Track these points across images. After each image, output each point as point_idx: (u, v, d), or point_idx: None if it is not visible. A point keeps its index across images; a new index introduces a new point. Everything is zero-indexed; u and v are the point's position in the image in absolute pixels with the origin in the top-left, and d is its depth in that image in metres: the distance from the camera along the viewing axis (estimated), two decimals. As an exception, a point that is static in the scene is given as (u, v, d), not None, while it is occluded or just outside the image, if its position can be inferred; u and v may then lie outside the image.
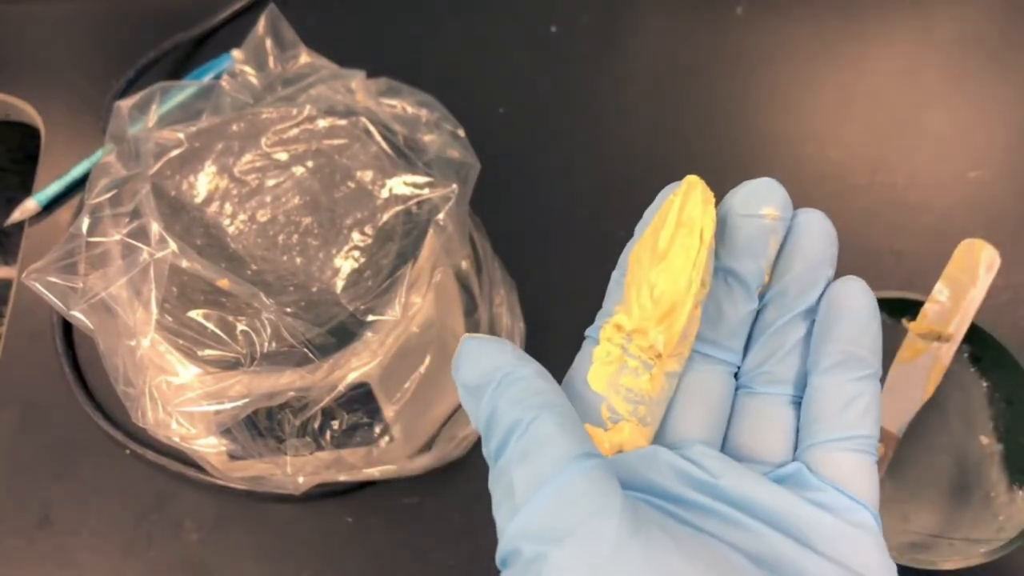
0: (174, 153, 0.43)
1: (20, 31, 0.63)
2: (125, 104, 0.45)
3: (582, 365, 0.26)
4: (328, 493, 0.45)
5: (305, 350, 0.37)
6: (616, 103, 0.59)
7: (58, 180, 0.55)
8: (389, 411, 0.42)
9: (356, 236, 0.40)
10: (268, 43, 0.48)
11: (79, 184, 0.55)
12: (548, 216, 0.54)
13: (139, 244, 0.39)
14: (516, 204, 0.54)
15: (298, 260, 0.40)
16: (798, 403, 0.26)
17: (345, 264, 0.39)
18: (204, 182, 0.42)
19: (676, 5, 0.63)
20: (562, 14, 0.63)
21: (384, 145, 0.43)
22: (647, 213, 0.27)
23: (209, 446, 0.40)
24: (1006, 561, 0.38)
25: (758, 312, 0.27)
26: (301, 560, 0.45)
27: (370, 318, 0.38)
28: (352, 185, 0.42)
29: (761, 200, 0.27)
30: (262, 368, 0.37)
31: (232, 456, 0.42)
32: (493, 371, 0.24)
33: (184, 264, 0.38)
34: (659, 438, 0.26)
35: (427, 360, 0.42)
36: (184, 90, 0.49)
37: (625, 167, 0.56)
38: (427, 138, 0.45)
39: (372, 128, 0.44)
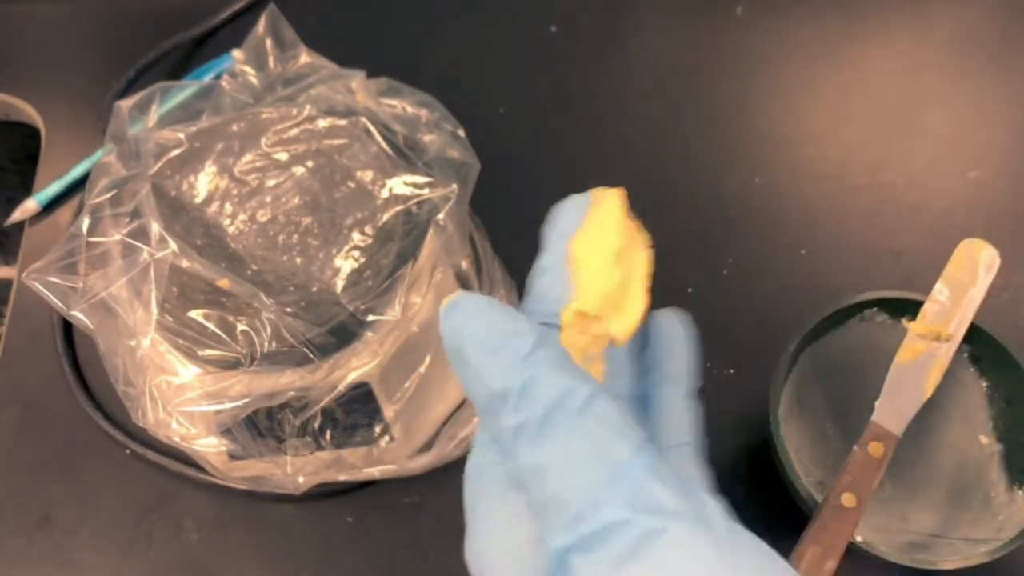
0: (174, 153, 0.43)
1: (20, 31, 0.63)
2: (125, 104, 0.45)
3: None
4: (328, 493, 0.46)
5: (305, 350, 0.37)
6: (616, 103, 0.59)
7: (58, 180, 0.55)
8: (389, 411, 0.42)
9: (356, 236, 0.40)
10: (268, 43, 0.48)
11: (79, 184, 0.55)
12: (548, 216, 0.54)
13: (139, 244, 0.39)
14: (516, 204, 0.54)
15: (298, 260, 0.40)
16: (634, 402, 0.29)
17: (345, 264, 0.39)
18: (204, 182, 0.42)
19: (676, 5, 0.63)
20: (562, 14, 0.63)
21: (384, 145, 0.43)
22: (568, 211, 0.29)
23: (209, 446, 0.40)
24: (1006, 561, 0.38)
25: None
26: (301, 560, 0.45)
27: (370, 318, 0.38)
28: (352, 185, 0.42)
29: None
30: (262, 368, 0.37)
31: (232, 456, 0.42)
32: (520, 335, 0.22)
33: (184, 264, 0.38)
34: None
35: (427, 360, 0.42)
36: (184, 90, 0.49)
37: (625, 167, 0.56)
38: (427, 138, 0.45)
39: (372, 128, 0.44)
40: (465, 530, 0.23)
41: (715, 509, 0.20)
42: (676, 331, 0.29)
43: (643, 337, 0.29)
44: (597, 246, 0.27)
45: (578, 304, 0.26)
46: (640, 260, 0.27)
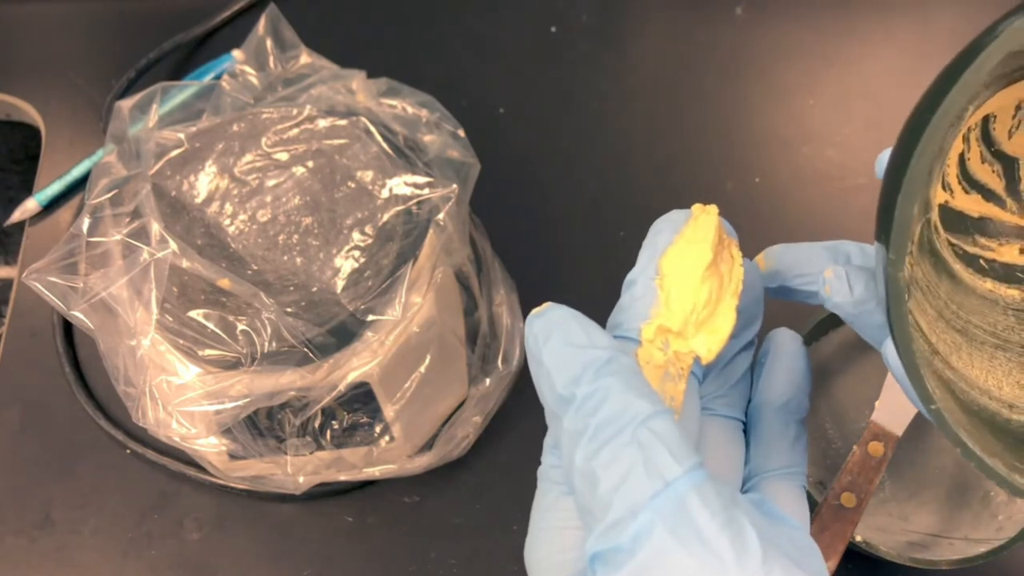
0: (174, 153, 0.43)
1: (20, 31, 0.63)
2: (126, 104, 0.45)
3: None
4: (328, 493, 0.46)
5: (305, 350, 0.37)
6: (616, 103, 0.59)
7: (59, 180, 0.55)
8: (389, 411, 0.42)
9: (356, 236, 0.40)
10: (268, 43, 0.48)
11: (80, 184, 0.55)
12: (548, 216, 0.54)
13: (139, 244, 0.39)
14: (516, 204, 0.54)
15: (298, 260, 0.40)
16: (744, 428, 0.29)
17: (345, 264, 0.39)
18: (204, 182, 0.42)
19: (676, 5, 0.63)
20: (562, 14, 0.63)
21: (384, 145, 0.43)
22: (663, 228, 0.28)
23: (209, 446, 0.40)
24: (1006, 561, 0.38)
25: None
26: (301, 559, 0.45)
27: (370, 318, 0.38)
28: (352, 185, 0.42)
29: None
30: (262, 368, 0.37)
31: (232, 456, 0.42)
32: (598, 348, 0.23)
33: (184, 264, 0.38)
34: None
35: (427, 360, 0.42)
36: (185, 90, 0.49)
37: (625, 167, 0.56)
38: (427, 138, 0.45)
39: (372, 128, 0.44)
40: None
41: (753, 540, 0.20)
42: (788, 352, 0.29)
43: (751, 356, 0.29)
44: (687, 262, 0.26)
45: (661, 320, 0.26)
46: (733, 279, 0.27)
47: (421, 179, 0.42)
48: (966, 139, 0.30)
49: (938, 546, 0.41)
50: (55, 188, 0.55)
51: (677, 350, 0.25)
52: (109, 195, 0.41)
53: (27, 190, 0.57)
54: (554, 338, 0.24)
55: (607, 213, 0.55)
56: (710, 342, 0.26)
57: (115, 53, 0.61)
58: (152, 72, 0.59)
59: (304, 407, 0.39)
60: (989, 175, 0.31)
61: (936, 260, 0.29)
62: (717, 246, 0.27)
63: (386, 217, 0.41)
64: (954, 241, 0.30)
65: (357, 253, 0.40)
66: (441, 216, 0.41)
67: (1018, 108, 0.29)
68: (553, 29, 0.62)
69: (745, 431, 0.29)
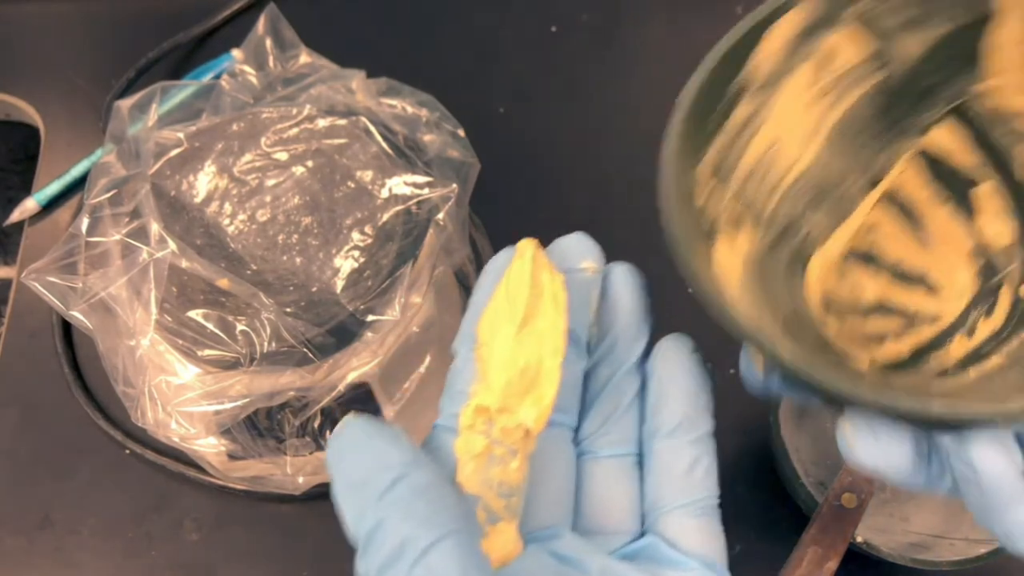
0: (174, 153, 0.43)
1: (20, 31, 0.63)
2: (125, 104, 0.45)
3: (443, 463, 0.23)
4: (328, 493, 0.45)
5: (305, 350, 0.37)
6: (616, 103, 0.59)
7: (58, 180, 0.55)
8: (389, 411, 0.42)
9: (356, 236, 0.40)
10: (268, 43, 0.48)
11: (79, 184, 0.55)
12: (548, 216, 0.54)
13: (139, 244, 0.39)
14: (516, 204, 0.54)
15: (298, 260, 0.40)
16: (639, 461, 0.26)
17: (345, 264, 0.39)
18: (204, 182, 0.42)
19: (676, 5, 0.63)
20: (562, 14, 0.63)
21: (384, 145, 0.43)
22: (484, 283, 0.26)
23: (209, 446, 0.40)
24: (1006, 562, 0.38)
25: (589, 372, 0.26)
26: (301, 560, 0.45)
27: (370, 318, 0.38)
28: (352, 185, 0.42)
29: (579, 254, 0.27)
30: (262, 368, 0.37)
31: (232, 456, 0.42)
32: (383, 470, 0.21)
33: (184, 264, 0.38)
34: (520, 525, 0.24)
35: (427, 360, 0.42)
36: (184, 90, 0.49)
37: (625, 167, 0.56)
38: (427, 138, 0.45)
39: (372, 128, 0.44)
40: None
41: None
42: (674, 367, 0.26)
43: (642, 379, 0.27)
44: (502, 321, 0.24)
45: (479, 399, 0.23)
46: (553, 329, 0.24)
47: (421, 179, 0.42)
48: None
49: (939, 547, 0.41)
50: (54, 188, 0.55)
51: (504, 426, 0.23)
52: (108, 195, 0.41)
53: (26, 190, 0.57)
54: (344, 464, 0.21)
55: (607, 213, 0.55)
56: (535, 410, 0.23)
57: (115, 53, 0.61)
58: (151, 72, 0.59)
59: (304, 407, 0.39)
60: None
61: None
62: (532, 298, 0.24)
63: (386, 217, 0.41)
64: None
65: (357, 253, 0.40)
66: (441, 216, 0.41)
67: None
68: (553, 29, 0.62)
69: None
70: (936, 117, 0.32)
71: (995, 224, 0.33)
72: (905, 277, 0.35)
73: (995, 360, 0.30)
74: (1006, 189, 0.33)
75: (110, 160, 0.43)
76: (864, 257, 0.35)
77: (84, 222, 0.40)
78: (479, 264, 0.49)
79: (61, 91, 0.60)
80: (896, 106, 0.32)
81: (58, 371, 0.49)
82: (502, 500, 0.23)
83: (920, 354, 0.32)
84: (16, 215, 0.55)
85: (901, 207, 0.35)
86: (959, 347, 0.32)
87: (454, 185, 0.42)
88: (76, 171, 0.55)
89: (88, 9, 0.64)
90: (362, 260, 0.40)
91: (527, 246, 0.25)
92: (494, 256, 0.26)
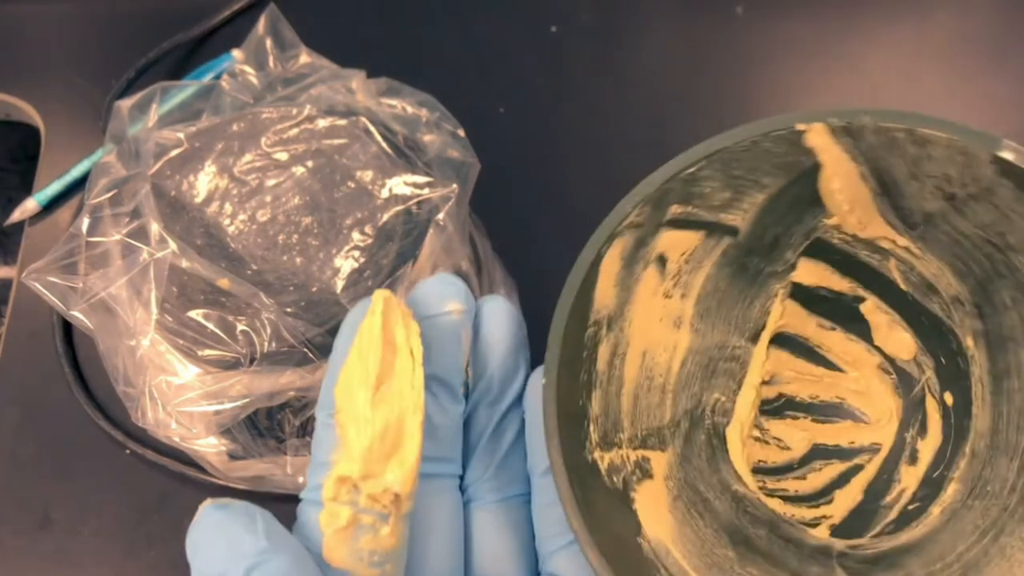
0: (174, 153, 0.43)
1: (20, 31, 0.63)
2: (125, 104, 0.45)
3: (310, 538, 0.23)
4: (328, 493, 0.46)
5: (305, 350, 0.37)
6: (616, 103, 0.59)
7: (58, 180, 0.55)
8: (389, 411, 0.42)
9: (356, 236, 0.40)
10: (268, 43, 0.48)
11: (79, 184, 0.55)
12: (548, 216, 0.54)
13: (139, 244, 0.39)
14: (516, 204, 0.54)
15: (298, 260, 0.40)
16: (528, 499, 0.26)
17: (345, 264, 0.39)
18: (204, 182, 0.42)
19: (676, 5, 0.63)
20: (562, 14, 0.63)
21: (384, 145, 0.43)
22: (340, 343, 0.24)
23: (209, 446, 0.40)
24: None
25: (468, 416, 0.26)
26: (301, 560, 0.45)
27: (370, 318, 0.38)
28: (352, 185, 0.42)
29: (442, 297, 0.26)
30: (262, 368, 0.37)
31: (232, 456, 0.42)
32: (237, 560, 0.20)
33: (184, 264, 0.38)
34: None
35: (427, 360, 0.42)
36: (184, 90, 0.49)
37: (625, 167, 0.56)
38: (427, 138, 0.45)
39: (372, 128, 0.44)
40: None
41: None
42: (540, 403, 0.25)
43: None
44: (357, 383, 0.23)
45: (339, 468, 0.22)
46: (411, 386, 0.23)
47: (421, 179, 0.42)
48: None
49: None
50: (54, 188, 0.55)
51: (371, 493, 0.22)
52: (108, 195, 0.41)
53: (26, 190, 0.57)
54: (199, 556, 0.21)
55: (607, 213, 0.55)
56: (400, 472, 0.22)
57: (114, 53, 0.61)
58: (151, 72, 0.59)
59: (304, 407, 0.39)
60: None
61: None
62: (386, 355, 0.23)
63: (386, 217, 0.41)
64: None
65: (357, 253, 0.40)
66: (441, 216, 0.41)
67: None
68: (553, 29, 0.62)
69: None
70: (797, 254, 0.32)
71: (892, 338, 0.33)
72: (826, 413, 0.35)
73: (952, 488, 0.30)
74: (889, 303, 0.33)
75: (110, 160, 0.43)
76: (778, 411, 0.35)
77: (84, 222, 0.40)
78: (479, 264, 0.49)
79: (61, 91, 0.60)
80: (751, 261, 0.32)
81: (58, 371, 0.49)
82: (375, 570, 0.22)
83: (874, 499, 0.32)
84: (16, 215, 0.55)
85: (793, 347, 0.35)
86: (910, 478, 0.32)
87: (454, 185, 0.42)
88: (76, 171, 0.55)
89: (88, 9, 0.64)
90: (362, 260, 0.40)
91: (377, 300, 0.24)
92: (349, 312, 0.24)
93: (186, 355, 0.38)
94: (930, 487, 0.31)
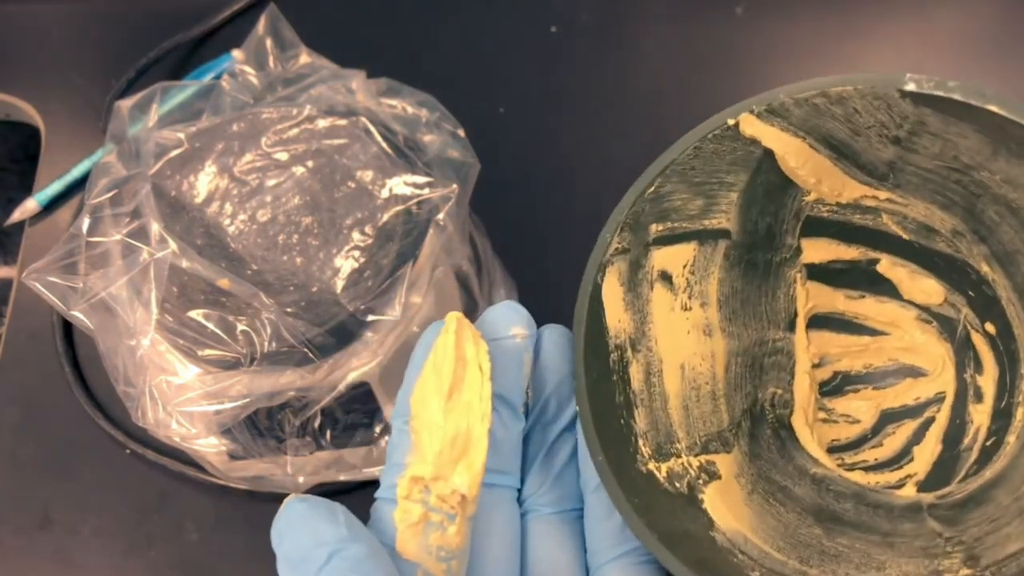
0: (174, 153, 0.43)
1: (20, 31, 0.63)
2: (125, 104, 0.45)
3: (384, 532, 0.25)
4: (328, 493, 0.45)
5: (305, 350, 0.37)
6: (616, 103, 0.59)
7: (58, 180, 0.55)
8: (389, 411, 0.42)
9: (356, 236, 0.40)
10: (268, 43, 0.48)
11: (79, 184, 0.55)
12: (548, 216, 0.54)
13: (139, 244, 0.39)
14: (516, 204, 0.54)
15: (298, 260, 0.40)
16: (582, 514, 0.28)
17: (345, 264, 0.39)
18: (204, 182, 0.42)
19: (676, 5, 0.63)
20: (562, 14, 0.63)
21: (384, 145, 0.43)
22: (416, 357, 0.27)
23: (209, 446, 0.40)
24: (1006, 561, 0.38)
25: (527, 434, 0.28)
26: (301, 560, 0.45)
27: (370, 318, 0.38)
28: (352, 185, 0.42)
29: (507, 323, 0.28)
30: (262, 368, 0.37)
31: (232, 456, 0.42)
32: (318, 547, 0.22)
33: (184, 264, 0.38)
34: None
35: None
36: (184, 90, 0.49)
37: (625, 167, 0.56)
38: (427, 138, 0.45)
39: (372, 128, 0.44)
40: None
41: None
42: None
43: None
44: (431, 393, 0.25)
45: (413, 470, 0.25)
46: (480, 398, 0.25)
47: (421, 179, 0.42)
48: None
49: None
50: (55, 188, 0.55)
51: (440, 494, 0.24)
52: (109, 195, 0.41)
53: (27, 190, 0.57)
54: (284, 544, 0.23)
55: (607, 213, 0.55)
56: (467, 476, 0.24)
57: (115, 53, 0.61)
58: (152, 72, 0.59)
59: (304, 407, 0.39)
60: None
61: None
62: (458, 369, 0.25)
63: (386, 217, 0.41)
64: None
65: (357, 253, 0.40)
66: (441, 216, 0.41)
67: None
68: (553, 29, 0.62)
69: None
70: (796, 237, 0.33)
71: (918, 287, 0.34)
72: (884, 378, 0.35)
73: (1022, 412, 0.30)
74: (901, 256, 0.33)
75: (110, 160, 0.43)
76: (837, 389, 0.35)
77: (85, 222, 0.40)
78: (479, 264, 0.49)
79: (61, 91, 0.60)
80: (756, 256, 0.33)
81: (58, 371, 0.49)
82: (442, 564, 0.24)
83: (952, 446, 0.32)
84: (17, 215, 0.55)
85: (831, 325, 0.35)
86: (980, 415, 0.32)
87: (454, 185, 0.42)
88: (77, 171, 0.55)
89: (88, 9, 0.64)
90: (362, 260, 0.40)
91: (451, 320, 0.26)
92: (424, 331, 0.27)
93: (186, 355, 0.38)
94: (1001, 418, 0.31)
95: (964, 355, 0.33)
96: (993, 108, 0.25)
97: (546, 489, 0.28)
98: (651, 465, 0.28)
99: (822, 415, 0.35)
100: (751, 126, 0.30)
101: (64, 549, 0.45)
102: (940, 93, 0.26)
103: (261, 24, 0.48)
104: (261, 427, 0.40)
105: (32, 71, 0.61)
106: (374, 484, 0.46)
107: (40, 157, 0.58)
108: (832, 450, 0.34)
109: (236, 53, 0.48)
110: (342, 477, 0.43)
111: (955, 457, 0.32)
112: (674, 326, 0.32)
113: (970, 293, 0.32)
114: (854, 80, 0.28)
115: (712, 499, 0.29)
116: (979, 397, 0.32)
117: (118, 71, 0.59)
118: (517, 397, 0.27)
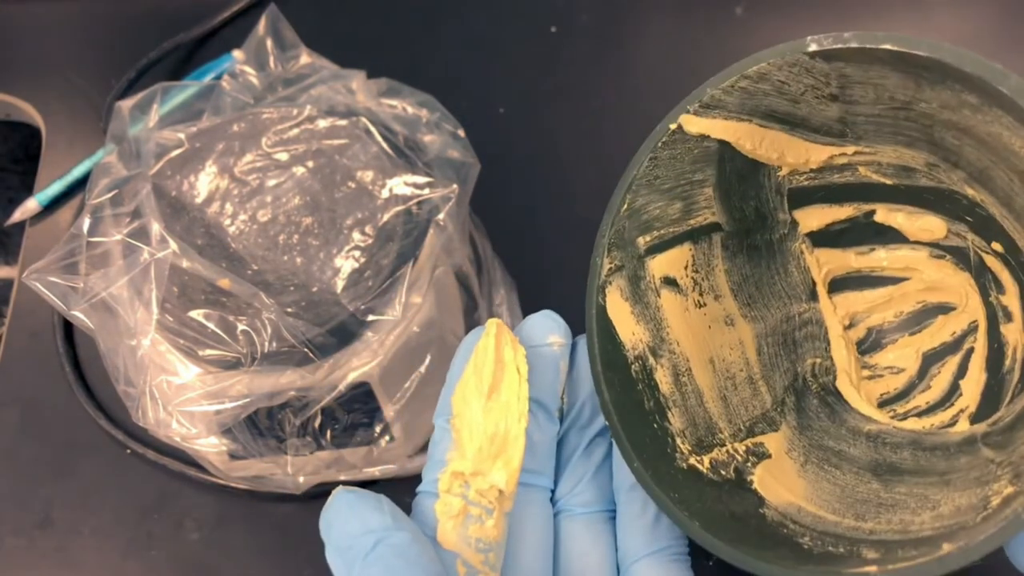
0: (175, 153, 0.43)
1: (20, 31, 0.63)
2: (126, 104, 0.45)
3: (426, 524, 0.26)
4: (328, 492, 0.45)
5: (305, 350, 0.37)
6: (616, 103, 0.59)
7: (59, 180, 0.55)
8: (389, 411, 0.42)
9: (356, 236, 0.40)
10: (268, 43, 0.48)
11: (80, 184, 0.55)
12: (548, 216, 0.54)
13: (140, 244, 0.39)
14: (516, 204, 0.54)
15: (298, 260, 0.40)
16: (613, 516, 0.29)
17: (345, 264, 0.39)
18: (205, 182, 0.42)
19: (676, 5, 0.63)
20: (562, 14, 0.63)
21: (384, 145, 0.43)
22: (457, 360, 0.28)
23: (210, 446, 0.40)
24: (1005, 561, 0.38)
25: (562, 437, 0.29)
26: (302, 559, 0.45)
27: (370, 318, 0.39)
28: (352, 185, 0.42)
29: (545, 331, 0.29)
30: (262, 368, 0.37)
31: (233, 456, 0.42)
32: (365, 535, 0.23)
33: (185, 264, 0.38)
34: None
35: (427, 360, 0.42)
36: (185, 90, 0.49)
37: (625, 167, 0.56)
38: (427, 138, 0.45)
39: (372, 128, 0.44)
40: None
41: None
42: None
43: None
44: (472, 393, 0.27)
45: (454, 465, 0.26)
46: (518, 399, 0.27)
47: (421, 179, 0.42)
48: None
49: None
50: (55, 188, 0.55)
51: (479, 488, 0.26)
52: (109, 195, 0.41)
53: (27, 190, 0.57)
54: (333, 531, 0.24)
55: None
56: (505, 472, 0.26)
57: (115, 53, 0.61)
58: (152, 72, 0.59)
59: (304, 407, 0.39)
60: None
61: None
62: (497, 371, 0.27)
63: (386, 217, 0.41)
64: None
65: (357, 253, 0.40)
66: (441, 216, 0.41)
67: None
68: (553, 29, 0.62)
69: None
70: (786, 212, 0.34)
71: (919, 227, 0.34)
72: (918, 322, 0.36)
73: None
74: (892, 200, 0.34)
75: (111, 160, 0.43)
76: (875, 345, 0.36)
77: (85, 222, 0.40)
78: (479, 264, 0.49)
79: (61, 91, 0.60)
80: (754, 239, 0.34)
81: (59, 371, 0.49)
82: (480, 555, 0.25)
83: (996, 371, 0.33)
84: (17, 215, 0.55)
85: (850, 285, 0.36)
86: (1014, 333, 0.33)
87: (454, 185, 0.42)
88: (77, 171, 0.55)
89: (88, 9, 0.64)
90: (362, 260, 0.40)
91: (491, 325, 0.28)
92: (466, 335, 0.28)
93: (187, 355, 0.38)
94: None
95: (984, 279, 0.33)
96: (888, 46, 0.26)
97: (579, 490, 0.29)
98: (692, 460, 0.29)
99: (866, 373, 0.35)
100: (694, 124, 0.31)
101: (64, 549, 0.45)
102: (839, 46, 0.27)
103: (261, 24, 0.48)
104: (261, 427, 0.41)
105: (33, 71, 0.61)
106: (375, 484, 0.46)
107: (41, 157, 0.58)
108: (882, 404, 0.35)
109: (236, 53, 0.48)
110: (342, 477, 0.43)
111: (1000, 381, 0.33)
112: (693, 325, 0.32)
113: (968, 218, 0.32)
114: (764, 56, 0.29)
115: (762, 478, 0.30)
116: (1008, 316, 0.33)
117: (118, 71, 0.59)
118: (552, 402, 0.29)
